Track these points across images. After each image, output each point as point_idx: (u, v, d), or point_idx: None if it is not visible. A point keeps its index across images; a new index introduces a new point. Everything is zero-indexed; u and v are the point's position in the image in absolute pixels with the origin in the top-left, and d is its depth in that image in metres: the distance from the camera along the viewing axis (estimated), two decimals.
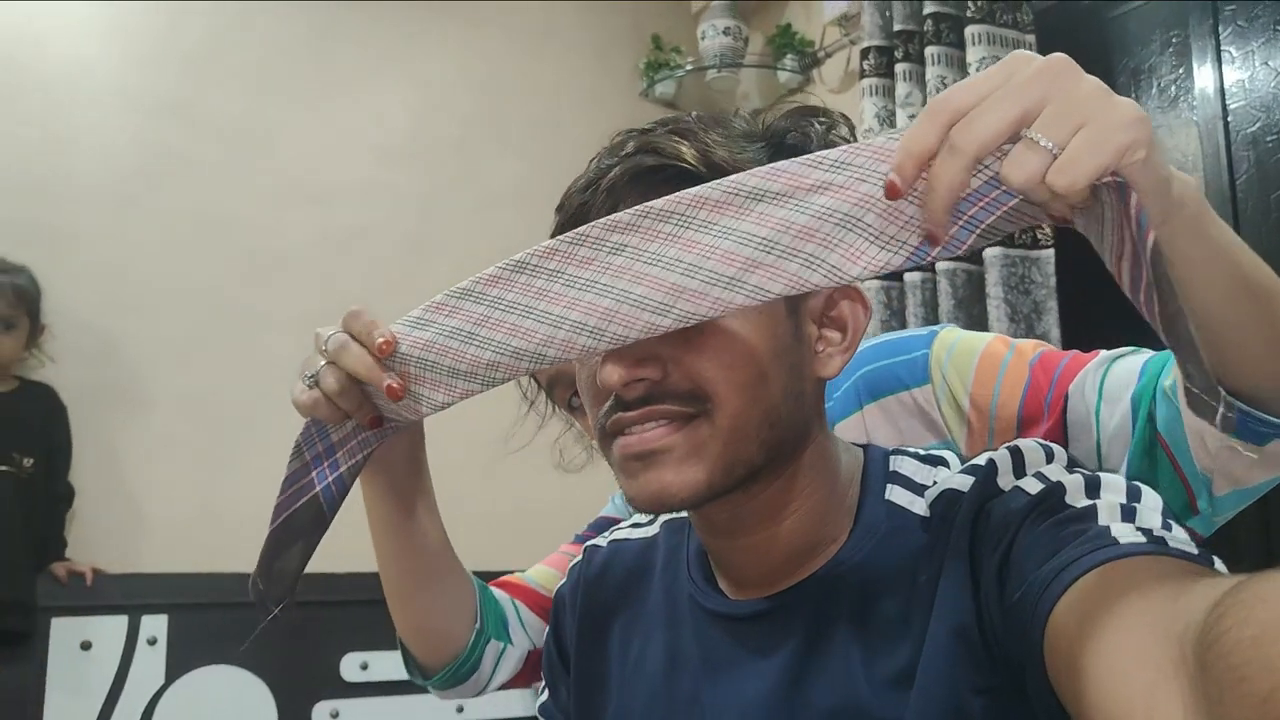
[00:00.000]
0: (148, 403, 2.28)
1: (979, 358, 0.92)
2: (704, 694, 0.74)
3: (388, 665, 2.36)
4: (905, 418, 0.96)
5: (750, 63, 2.98)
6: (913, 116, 2.41)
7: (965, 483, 0.67)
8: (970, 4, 2.27)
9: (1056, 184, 0.51)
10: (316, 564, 2.43)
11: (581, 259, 0.64)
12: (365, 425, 0.80)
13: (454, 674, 1.02)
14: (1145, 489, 0.61)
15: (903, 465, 0.73)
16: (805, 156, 0.59)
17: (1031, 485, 0.63)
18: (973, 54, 2.26)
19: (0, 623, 2.00)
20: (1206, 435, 0.75)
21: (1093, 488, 0.61)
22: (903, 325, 2.37)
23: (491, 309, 0.69)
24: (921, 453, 0.75)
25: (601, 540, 0.91)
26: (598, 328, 0.64)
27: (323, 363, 0.78)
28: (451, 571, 1.01)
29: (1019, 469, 0.66)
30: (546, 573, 1.15)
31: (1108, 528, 0.56)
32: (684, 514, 0.83)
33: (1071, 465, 0.66)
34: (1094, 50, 2.31)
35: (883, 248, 0.58)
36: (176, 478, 2.28)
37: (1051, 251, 2.17)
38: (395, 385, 0.76)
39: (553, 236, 0.71)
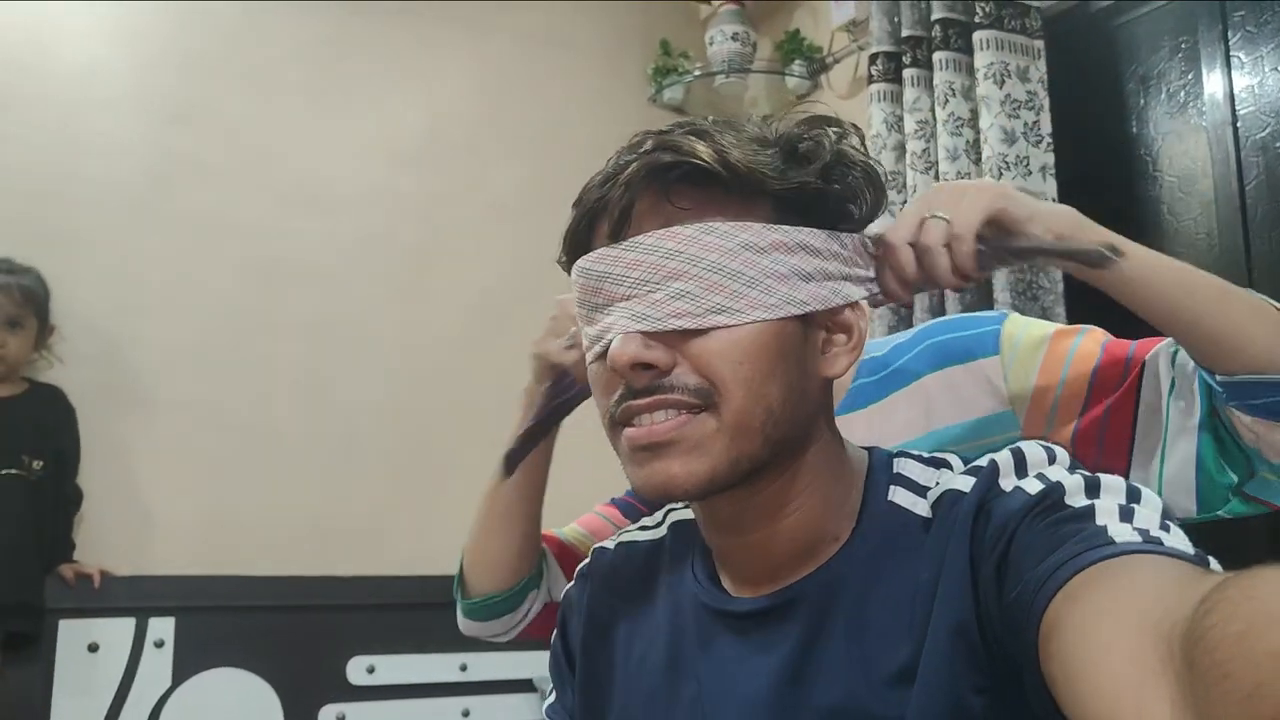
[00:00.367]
0: (156, 405, 2.29)
1: (1052, 335, 0.99)
2: (705, 691, 0.74)
3: (395, 669, 2.36)
4: (969, 386, 1.00)
5: (758, 68, 2.98)
6: (921, 122, 2.41)
7: (967, 483, 0.67)
8: (979, 9, 2.26)
9: (954, 233, 0.80)
10: (323, 568, 2.45)
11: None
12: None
13: (493, 604, 1.18)
14: (1145, 491, 0.62)
15: (906, 467, 0.75)
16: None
17: (1032, 485, 0.64)
18: (980, 59, 2.26)
19: (8, 625, 2.01)
20: (1239, 412, 0.85)
21: (1092, 488, 0.62)
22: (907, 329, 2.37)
23: None
24: (925, 455, 0.76)
25: (609, 542, 0.92)
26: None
27: (573, 328, 1.00)
28: (537, 518, 1.18)
29: (1021, 470, 0.67)
30: (578, 531, 1.27)
31: (1105, 527, 0.57)
32: (690, 515, 0.84)
33: (1073, 467, 0.66)
34: (1102, 56, 2.30)
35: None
36: (184, 480, 2.28)
37: None
38: None
39: (568, 232, 0.76)
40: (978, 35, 2.27)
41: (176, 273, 2.36)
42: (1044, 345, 0.98)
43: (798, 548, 0.73)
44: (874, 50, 2.55)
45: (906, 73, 2.45)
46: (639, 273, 0.69)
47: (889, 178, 2.47)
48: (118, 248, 2.31)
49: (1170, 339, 0.92)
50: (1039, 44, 2.28)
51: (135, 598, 2.16)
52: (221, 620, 2.22)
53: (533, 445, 1.16)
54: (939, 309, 2.30)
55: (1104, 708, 0.47)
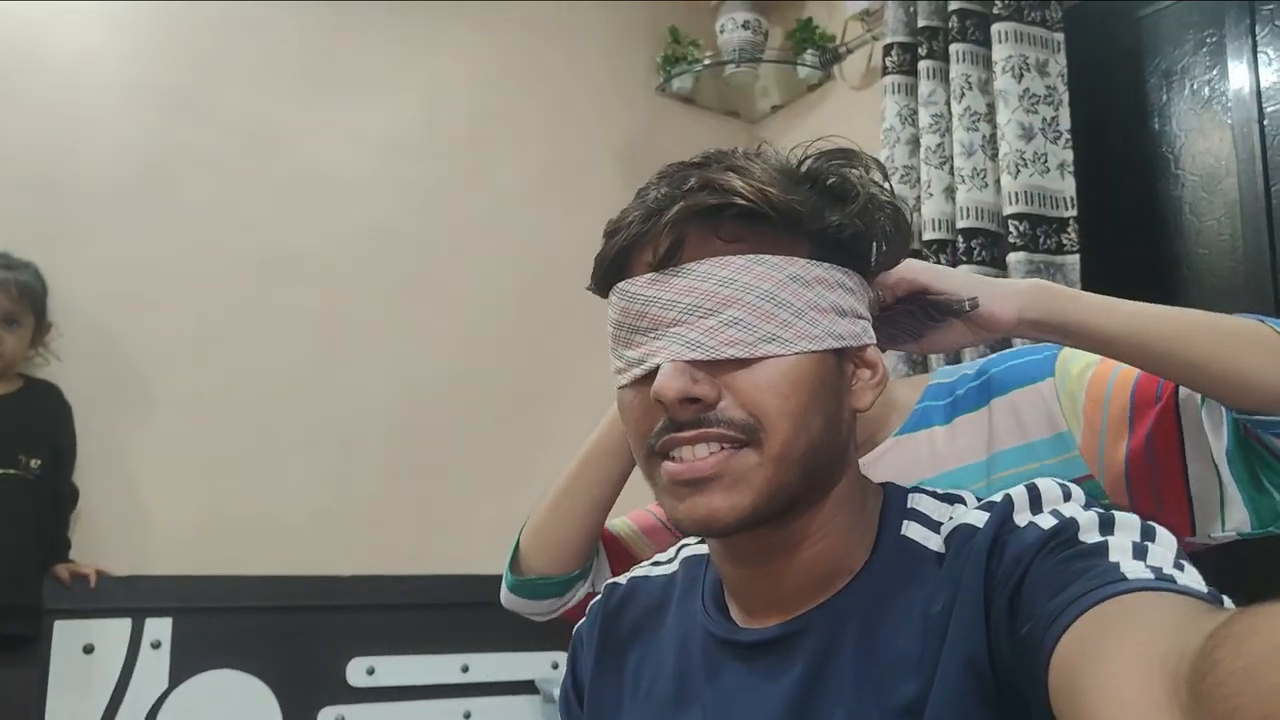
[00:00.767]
0: (154, 403, 2.25)
1: (1098, 364, 1.00)
2: None
3: (395, 670, 2.33)
4: (1029, 410, 1.03)
5: (770, 58, 2.92)
6: (936, 116, 2.35)
7: (980, 518, 0.68)
8: (997, 1, 2.20)
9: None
10: (323, 567, 2.42)
11: None
12: None
13: (543, 585, 1.18)
14: (1160, 529, 0.62)
15: (921, 503, 0.76)
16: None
17: (1046, 521, 0.64)
18: (999, 52, 2.20)
19: (4, 627, 1.98)
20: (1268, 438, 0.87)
21: (1106, 525, 0.62)
22: None
23: None
24: (940, 492, 0.77)
25: (622, 578, 0.93)
26: None
27: None
28: (607, 510, 1.18)
29: (1035, 506, 0.67)
30: (629, 525, 1.27)
31: (1117, 564, 0.57)
32: (702, 550, 0.87)
33: (1088, 504, 0.67)
34: (1124, 50, 2.24)
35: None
36: (183, 480, 2.25)
37: (1077, 258, 2.11)
38: None
39: (601, 257, 0.75)
40: (996, 27, 2.21)
41: (175, 266, 2.32)
42: (1091, 367, 1.01)
43: (812, 580, 0.73)
44: (889, 41, 2.49)
45: (922, 65, 2.39)
46: (691, 299, 0.70)
47: (904, 172, 2.41)
48: (115, 241, 2.27)
49: None
50: (1059, 37, 2.22)
51: (132, 598, 2.13)
52: (219, 621, 2.19)
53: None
54: None
55: None
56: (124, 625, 2.12)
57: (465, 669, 2.40)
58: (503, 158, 2.77)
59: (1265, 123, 1.97)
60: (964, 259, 2.21)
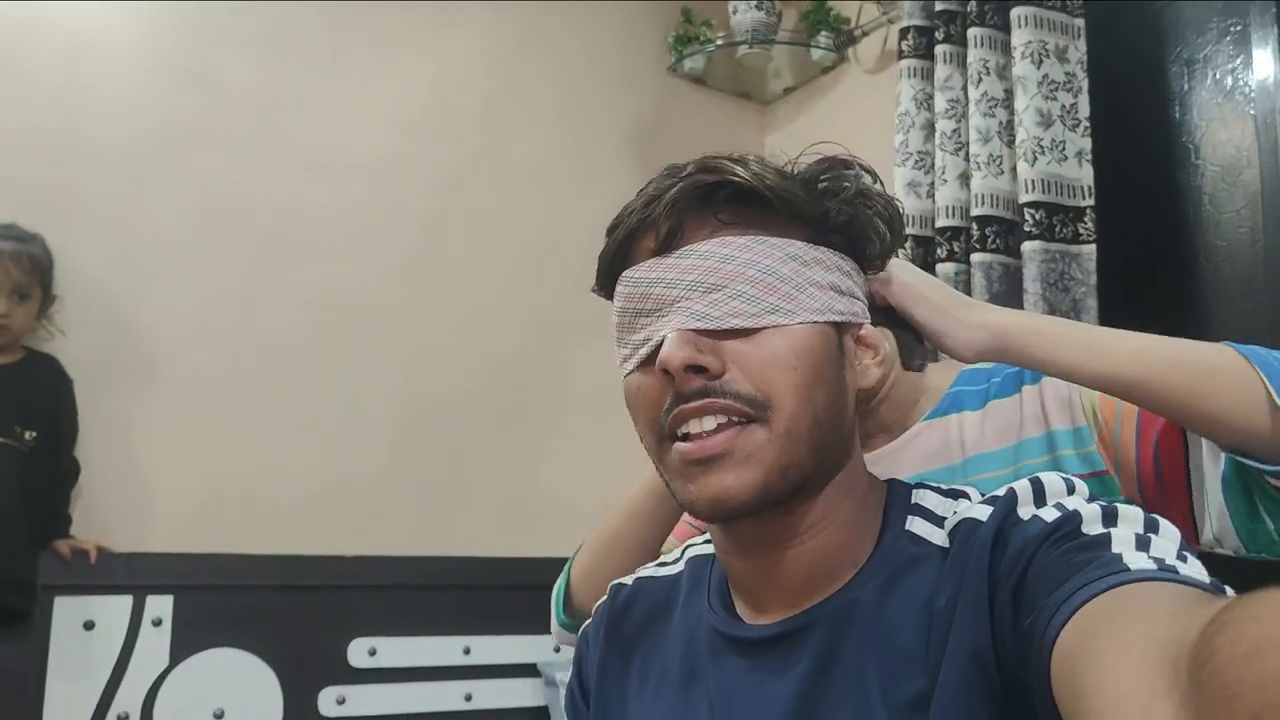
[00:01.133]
0: (158, 378, 2.23)
1: None
2: (718, 718, 0.75)
3: (396, 651, 2.32)
4: (1054, 400, 1.04)
5: (783, 39, 2.88)
6: (953, 101, 2.31)
7: (984, 512, 0.68)
8: None
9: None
10: (326, 547, 2.41)
11: None
12: None
13: None
14: (1163, 522, 0.62)
15: (925, 498, 0.76)
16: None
17: (1049, 514, 0.64)
18: (1018, 37, 2.16)
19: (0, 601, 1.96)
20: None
21: (1109, 517, 0.62)
22: None
23: None
24: (944, 487, 0.77)
25: (628, 579, 0.93)
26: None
27: None
28: (656, 553, 1.15)
29: (1039, 499, 0.67)
30: (673, 544, 1.26)
31: (1120, 555, 0.58)
32: (707, 550, 0.87)
33: (1092, 497, 0.67)
34: (1146, 37, 2.20)
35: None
36: (186, 456, 2.23)
37: (1093, 248, 2.09)
38: None
39: (605, 253, 0.77)
40: (1016, 12, 2.17)
41: (181, 241, 2.29)
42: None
43: (816, 572, 0.73)
44: (905, 24, 2.46)
45: (939, 49, 2.36)
46: (693, 276, 0.71)
47: (918, 157, 2.38)
48: (121, 214, 2.24)
49: None
50: (1079, 22, 2.18)
51: (133, 575, 2.11)
52: (221, 599, 2.18)
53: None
54: (964, 294, 2.22)
55: None
56: (125, 602, 2.10)
57: (467, 651, 2.39)
58: (513, 136, 2.73)
59: None
60: (978, 247, 2.18)
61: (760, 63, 2.95)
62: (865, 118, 2.72)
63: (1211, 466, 0.92)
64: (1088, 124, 2.14)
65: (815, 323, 0.71)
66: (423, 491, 2.46)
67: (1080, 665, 0.51)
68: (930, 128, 2.38)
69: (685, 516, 1.26)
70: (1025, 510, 0.67)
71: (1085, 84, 2.15)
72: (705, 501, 0.69)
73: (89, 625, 2.06)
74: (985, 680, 0.62)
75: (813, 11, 2.83)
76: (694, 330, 0.70)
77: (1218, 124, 2.07)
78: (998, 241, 2.19)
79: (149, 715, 2.07)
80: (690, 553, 0.90)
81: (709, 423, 0.69)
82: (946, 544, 0.70)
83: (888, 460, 1.09)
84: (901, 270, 0.90)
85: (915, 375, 1.13)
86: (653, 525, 1.15)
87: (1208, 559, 0.60)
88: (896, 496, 0.77)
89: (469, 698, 2.37)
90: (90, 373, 2.15)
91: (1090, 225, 2.10)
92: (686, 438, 0.70)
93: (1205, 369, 0.84)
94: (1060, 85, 2.15)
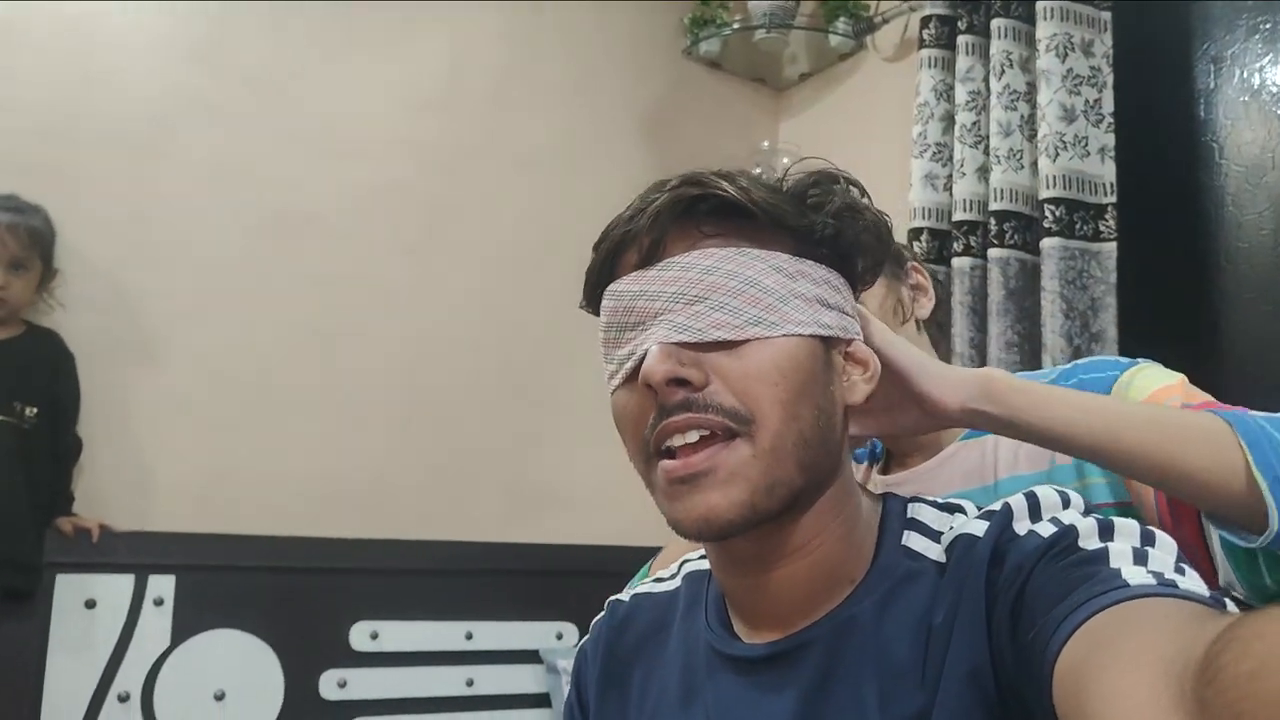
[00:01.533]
0: (160, 355, 2.20)
1: (1153, 391, 0.99)
2: None
3: (398, 635, 2.31)
4: None
5: (801, 25, 2.84)
6: (974, 93, 2.28)
7: (980, 528, 0.68)
8: None
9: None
10: (328, 529, 2.39)
11: None
12: None
13: None
14: (1160, 534, 0.62)
15: (921, 513, 0.75)
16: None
17: (1045, 529, 0.64)
18: (1043, 30, 2.13)
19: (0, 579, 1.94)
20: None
21: (1106, 531, 0.62)
22: (945, 311, 2.27)
23: None
24: (940, 501, 0.76)
25: (625, 594, 0.92)
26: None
27: None
28: None
29: (1035, 514, 0.67)
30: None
31: (1119, 570, 0.57)
32: (704, 566, 0.86)
33: (1087, 511, 0.67)
34: (1172, 33, 2.17)
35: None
36: (189, 435, 2.21)
37: (1114, 245, 2.06)
38: None
39: (591, 269, 0.76)
40: (1041, 4, 2.14)
41: (185, 217, 2.26)
42: (1142, 396, 0.99)
43: (814, 590, 0.72)
44: (927, 13, 2.43)
45: (961, 39, 2.33)
46: (675, 288, 0.70)
47: (936, 149, 2.35)
48: (125, 188, 2.21)
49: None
50: (1106, 16, 2.15)
51: (135, 554, 2.09)
52: (223, 580, 2.16)
53: None
54: (981, 289, 2.20)
55: None
56: (127, 581, 2.08)
57: (469, 636, 2.38)
58: (523, 117, 2.70)
59: None
60: (995, 242, 2.16)
61: (777, 48, 2.91)
62: (882, 107, 2.68)
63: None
64: (1111, 120, 2.10)
65: (800, 335, 0.70)
66: (427, 474, 2.44)
67: (1084, 682, 0.50)
68: (950, 119, 2.35)
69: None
70: (1021, 525, 0.66)
71: (1110, 79, 2.12)
72: (691, 521, 0.68)
73: (90, 604, 2.04)
74: (984, 697, 0.62)
75: None
76: (676, 343, 0.69)
77: (1243, 124, 2.03)
78: (1016, 237, 2.16)
79: (149, 695, 2.06)
80: (687, 568, 0.89)
81: (692, 436, 0.68)
82: (943, 559, 0.69)
83: (924, 480, 1.08)
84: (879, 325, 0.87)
85: None
86: None
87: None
88: (892, 511, 0.76)
89: (470, 683, 2.36)
90: (92, 349, 2.12)
91: (1111, 223, 2.07)
92: (671, 454, 0.69)
93: (1187, 433, 0.81)
94: (1085, 80, 2.12)
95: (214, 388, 2.24)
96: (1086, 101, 2.11)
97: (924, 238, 2.31)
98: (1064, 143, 2.08)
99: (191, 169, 2.27)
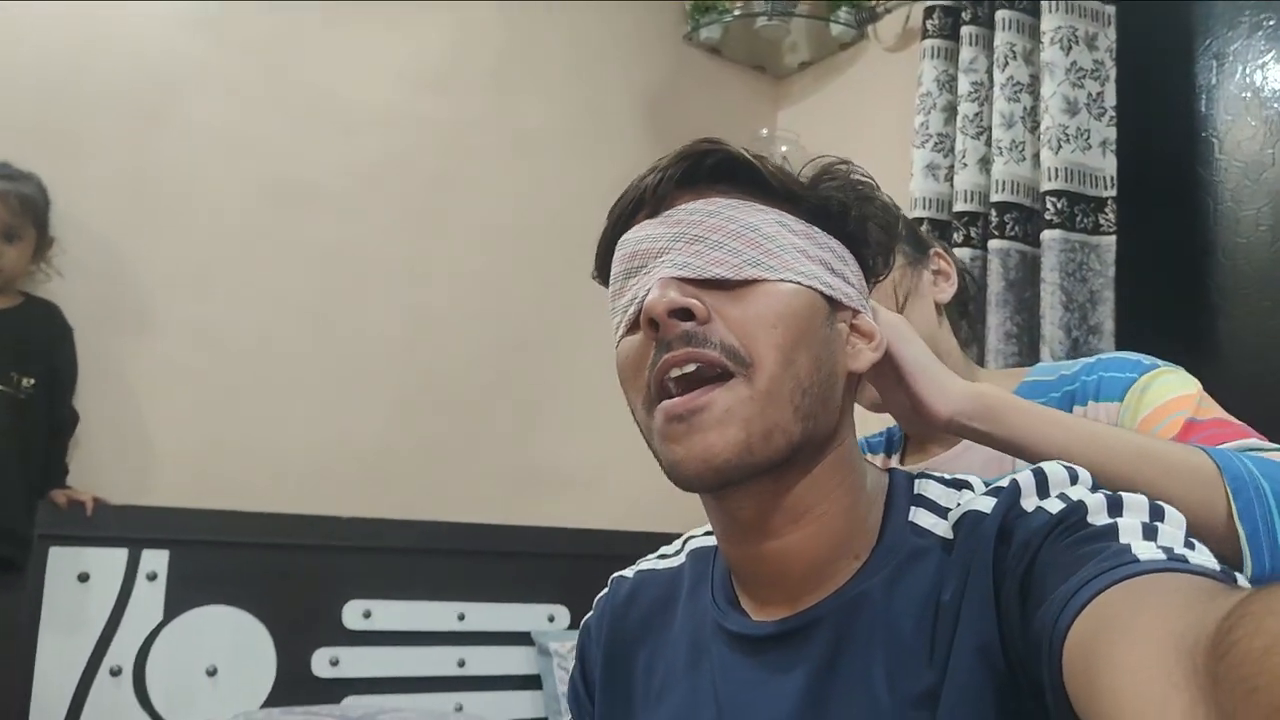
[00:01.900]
0: (158, 329, 2.19)
1: (1168, 400, 1.00)
2: (724, 716, 0.73)
3: (391, 614, 2.30)
4: (1102, 420, 1.02)
5: (802, 12, 2.85)
6: (976, 84, 2.29)
7: (988, 504, 0.67)
8: None
9: None
10: (323, 507, 2.38)
11: None
12: None
13: None
14: (1169, 509, 0.62)
15: (927, 489, 0.74)
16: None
17: (1054, 505, 0.64)
18: (1048, 22, 2.14)
19: None
20: None
21: (1115, 507, 0.62)
22: (973, 299, 2.28)
23: None
24: (947, 477, 0.76)
25: (628, 571, 0.91)
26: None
27: None
28: None
29: (1043, 490, 0.67)
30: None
31: (1128, 545, 0.57)
32: (709, 542, 0.86)
33: (1095, 486, 0.66)
34: (1175, 28, 2.18)
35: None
36: (186, 409, 2.19)
37: (1114, 239, 2.08)
38: None
39: (604, 233, 0.76)
40: None
41: (184, 187, 2.24)
42: (1147, 409, 1.01)
43: (818, 561, 0.72)
44: (930, 3, 2.43)
45: (965, 30, 2.34)
46: (677, 229, 0.71)
47: (938, 140, 2.36)
48: (124, 157, 2.19)
49: (1237, 444, 0.92)
50: (1110, 9, 2.16)
51: (129, 528, 2.08)
52: (217, 555, 2.15)
53: None
54: (980, 281, 2.21)
55: None
56: (120, 555, 2.07)
57: (461, 617, 2.37)
58: (524, 97, 2.69)
59: None
60: (996, 233, 2.17)
61: (778, 35, 2.91)
62: (882, 97, 2.68)
63: None
64: (1114, 113, 2.12)
65: (799, 285, 0.70)
66: (422, 454, 2.43)
67: (1094, 658, 0.50)
68: (952, 110, 2.36)
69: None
70: (1029, 501, 0.66)
71: (1113, 73, 2.14)
72: (691, 460, 0.67)
73: (83, 577, 2.03)
74: (994, 674, 0.62)
75: None
76: (676, 278, 0.69)
77: (1243, 120, 2.05)
78: (1017, 229, 2.17)
79: (142, 670, 2.05)
80: (692, 544, 0.88)
81: (690, 367, 0.68)
82: (950, 536, 0.69)
83: (943, 469, 1.08)
84: (896, 318, 0.88)
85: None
86: None
87: None
88: (898, 487, 0.75)
89: (462, 664, 2.36)
90: (89, 320, 2.10)
91: (1111, 216, 2.09)
92: (669, 397, 0.69)
93: (1174, 469, 0.82)
94: (1088, 73, 2.13)
95: (212, 361, 2.23)
96: (1089, 94, 2.12)
97: (924, 228, 2.32)
98: (1066, 135, 2.10)
99: (192, 138, 2.26)
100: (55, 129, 2.12)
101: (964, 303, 1.25)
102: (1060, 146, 2.09)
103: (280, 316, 2.32)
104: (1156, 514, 0.61)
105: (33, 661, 1.95)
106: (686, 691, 0.77)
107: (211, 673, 2.10)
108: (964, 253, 2.24)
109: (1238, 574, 0.55)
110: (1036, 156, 2.16)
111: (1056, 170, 2.08)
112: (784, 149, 2.76)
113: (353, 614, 2.26)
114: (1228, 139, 2.07)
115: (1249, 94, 2.05)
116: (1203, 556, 0.56)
